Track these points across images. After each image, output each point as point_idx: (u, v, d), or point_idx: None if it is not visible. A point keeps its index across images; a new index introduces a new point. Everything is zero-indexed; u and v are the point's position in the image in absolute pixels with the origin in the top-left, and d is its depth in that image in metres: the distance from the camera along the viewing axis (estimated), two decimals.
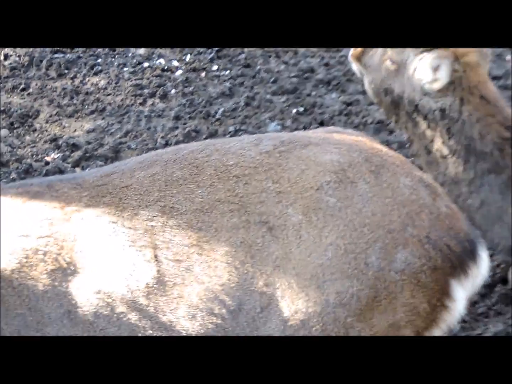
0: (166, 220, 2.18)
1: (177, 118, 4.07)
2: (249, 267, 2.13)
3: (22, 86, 4.31)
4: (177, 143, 3.76)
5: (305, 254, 2.09)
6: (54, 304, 2.08)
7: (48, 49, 4.51)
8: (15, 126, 4.01)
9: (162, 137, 3.93)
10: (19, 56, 4.46)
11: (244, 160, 2.22)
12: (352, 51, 3.15)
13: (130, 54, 4.54)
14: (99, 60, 4.52)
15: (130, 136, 3.94)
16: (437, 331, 2.15)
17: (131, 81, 4.37)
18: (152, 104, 4.24)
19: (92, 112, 4.14)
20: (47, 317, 2.05)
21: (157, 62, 4.45)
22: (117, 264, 2.16)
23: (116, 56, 4.56)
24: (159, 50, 4.49)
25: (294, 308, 2.07)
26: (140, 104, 4.23)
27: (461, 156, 3.31)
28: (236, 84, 4.33)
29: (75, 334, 2.02)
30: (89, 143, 3.88)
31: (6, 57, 4.39)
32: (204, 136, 3.97)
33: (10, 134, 4.00)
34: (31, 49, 4.53)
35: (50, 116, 4.11)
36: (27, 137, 3.96)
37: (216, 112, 4.13)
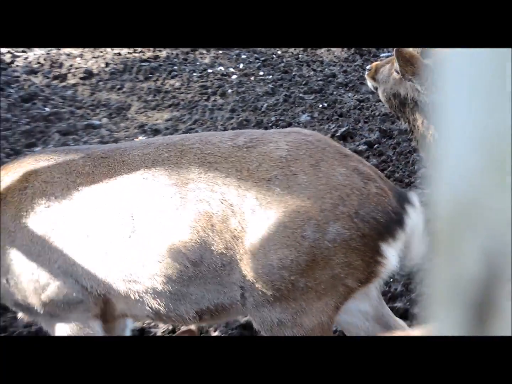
0: (145, 190, 2.45)
1: (232, 110, 4.78)
2: (209, 232, 2.35)
3: (118, 86, 5.02)
4: (232, 129, 4.42)
5: (256, 229, 2.33)
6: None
7: (138, 58, 5.27)
8: (113, 116, 4.80)
9: (221, 125, 4.57)
10: (116, 64, 5.20)
11: (218, 151, 2.46)
12: (367, 72, 3.75)
13: (198, 63, 5.29)
14: (175, 67, 5.25)
15: (198, 124, 4.64)
16: (378, 280, 2.46)
17: (198, 83, 5.10)
18: (214, 100, 4.90)
19: (170, 106, 4.92)
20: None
21: (218, 68, 5.21)
22: (101, 220, 2.44)
23: (188, 64, 5.31)
24: (219, 60, 5.23)
25: (248, 268, 2.33)
26: (205, 100, 4.89)
27: None
28: (276, 86, 5.02)
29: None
30: (167, 128, 4.60)
31: (107, 64, 5.15)
32: (252, 125, 4.60)
33: (109, 122, 4.75)
34: (125, 58, 5.28)
35: (139, 108, 4.90)
36: (122, 124, 4.71)
37: (261, 107, 4.84)
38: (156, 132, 4.61)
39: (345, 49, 5.42)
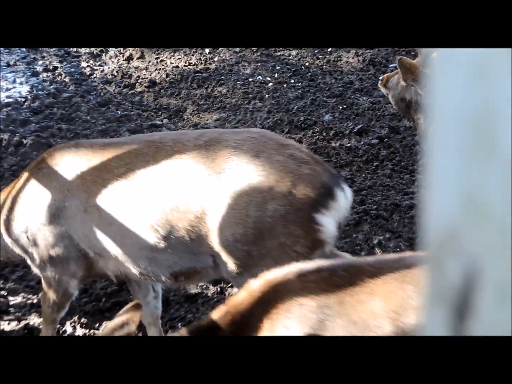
0: (126, 176, 2.58)
1: (269, 112, 5.10)
2: (175, 213, 2.50)
3: (176, 92, 5.35)
4: (268, 127, 4.74)
5: (213, 211, 2.47)
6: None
7: (192, 70, 5.52)
8: (172, 117, 5.13)
9: (260, 124, 4.92)
10: (174, 75, 5.50)
11: (184, 148, 2.60)
12: (380, 82, 4.14)
13: (241, 73, 5.57)
14: (222, 77, 5.54)
15: (241, 123, 4.96)
16: (326, 245, 2.56)
17: (241, 89, 5.41)
18: (254, 104, 5.21)
19: (218, 108, 5.22)
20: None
21: (257, 78, 5.54)
22: (98, 200, 2.61)
23: (232, 74, 5.60)
24: (258, 70, 5.54)
25: (213, 242, 2.50)
26: (247, 103, 5.22)
27: None
28: (305, 91, 5.35)
29: None
30: (215, 127, 4.83)
31: (167, 75, 5.47)
32: (285, 123, 4.89)
33: (169, 122, 5.08)
34: (182, 70, 5.58)
35: (193, 111, 5.21)
36: (179, 124, 5.05)
37: (292, 108, 5.14)
38: None
39: (361, 60, 5.64)
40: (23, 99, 5.04)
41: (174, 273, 2.69)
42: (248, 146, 2.61)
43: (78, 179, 2.71)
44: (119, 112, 5.14)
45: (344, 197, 2.65)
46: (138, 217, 2.59)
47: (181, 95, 5.40)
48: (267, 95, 5.38)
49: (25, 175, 2.84)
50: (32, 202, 2.79)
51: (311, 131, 4.90)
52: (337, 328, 1.74)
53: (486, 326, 0.42)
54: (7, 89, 5.17)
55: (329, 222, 2.58)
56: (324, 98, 5.29)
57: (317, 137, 4.86)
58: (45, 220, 2.75)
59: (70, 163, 2.73)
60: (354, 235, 3.98)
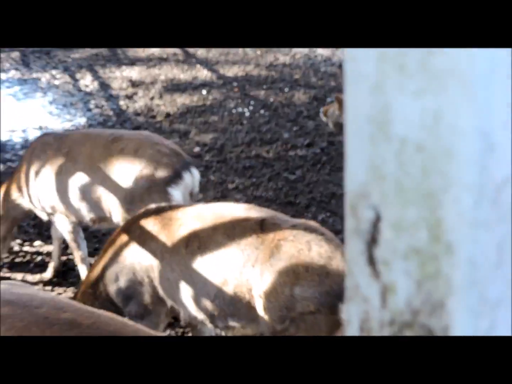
0: (71, 161, 3.30)
1: (246, 132, 6.55)
2: (96, 190, 3.30)
3: (184, 121, 6.82)
4: (245, 143, 6.02)
5: (107, 190, 3.20)
6: None
7: (194, 105, 7.00)
8: (181, 137, 6.44)
9: (240, 140, 6.28)
10: (183, 109, 6.95)
11: (99, 143, 3.48)
12: (321, 112, 5.34)
13: (227, 107, 7.00)
14: (215, 109, 6.95)
15: (227, 141, 6.46)
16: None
17: (227, 118, 6.82)
18: (236, 127, 6.64)
19: (212, 131, 6.52)
20: None
21: (238, 109, 7.03)
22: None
23: (221, 108, 7.05)
24: (239, 105, 7.06)
25: None
26: (231, 127, 6.64)
27: None
28: (270, 118, 6.81)
29: None
30: (210, 144, 6.52)
31: (178, 109, 7.03)
32: (257, 140, 6.19)
33: (179, 141, 6.35)
34: (188, 105, 7.07)
35: (195, 133, 6.52)
36: (186, 141, 6.49)
37: (262, 130, 6.52)
38: None
39: (308, 96, 7.17)
40: (82, 127, 6.98)
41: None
42: (132, 145, 3.50)
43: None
44: None
45: (191, 177, 3.47)
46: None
47: (187, 122, 6.89)
48: (245, 121, 6.78)
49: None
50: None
51: (275, 145, 6.37)
52: None
53: (388, 250, 0.49)
54: (70, 120, 7.16)
55: (177, 194, 3.42)
56: (284, 123, 6.76)
57: (280, 149, 6.33)
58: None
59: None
60: (305, 213, 5.03)
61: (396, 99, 0.49)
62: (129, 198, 3.47)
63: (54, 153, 3.64)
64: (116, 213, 3.54)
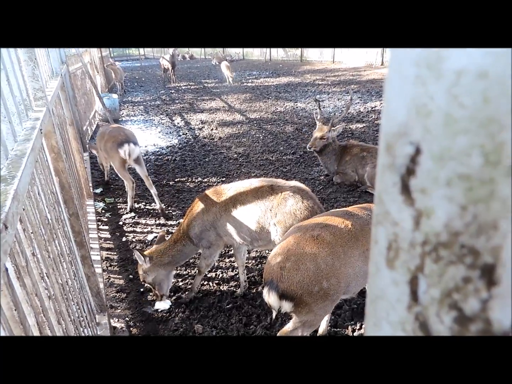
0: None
1: (261, 146, 11.38)
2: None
3: (228, 141, 11.62)
4: (259, 149, 10.83)
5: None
6: None
7: (235, 134, 11.96)
8: (228, 151, 11.62)
9: (259, 148, 10.83)
10: (228, 135, 11.86)
11: (100, 132, 6.45)
12: (308, 147, 7.65)
13: (248, 134, 11.72)
14: (244, 138, 11.68)
15: (248, 148, 11.41)
16: (125, 162, 5.74)
17: (249, 140, 11.10)
18: (256, 143, 11.26)
19: (240, 146, 11.01)
20: None
21: (253, 133, 12.01)
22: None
23: (246, 134, 11.79)
24: (254, 131, 12.05)
25: None
26: (253, 144, 11.24)
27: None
28: (272, 137, 11.63)
29: None
30: (240, 154, 11.08)
31: (225, 135, 12.01)
32: (265, 149, 10.76)
33: (228, 153, 11.41)
34: (230, 133, 12.27)
35: (234, 148, 11.20)
36: (229, 152, 11.81)
37: (268, 144, 11.14)
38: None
39: (294, 127, 12.23)
40: (176, 146, 11.79)
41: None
42: (108, 134, 5.61)
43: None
44: (208, 148, 10.56)
45: (128, 147, 5.63)
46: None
47: (230, 142, 10.99)
48: (260, 141, 10.73)
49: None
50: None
51: (275, 153, 9.59)
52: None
53: (427, 179, 0.45)
54: (170, 141, 12.19)
55: (123, 154, 5.58)
56: (280, 142, 10.63)
57: (278, 155, 9.45)
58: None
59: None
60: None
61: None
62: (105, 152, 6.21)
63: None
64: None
